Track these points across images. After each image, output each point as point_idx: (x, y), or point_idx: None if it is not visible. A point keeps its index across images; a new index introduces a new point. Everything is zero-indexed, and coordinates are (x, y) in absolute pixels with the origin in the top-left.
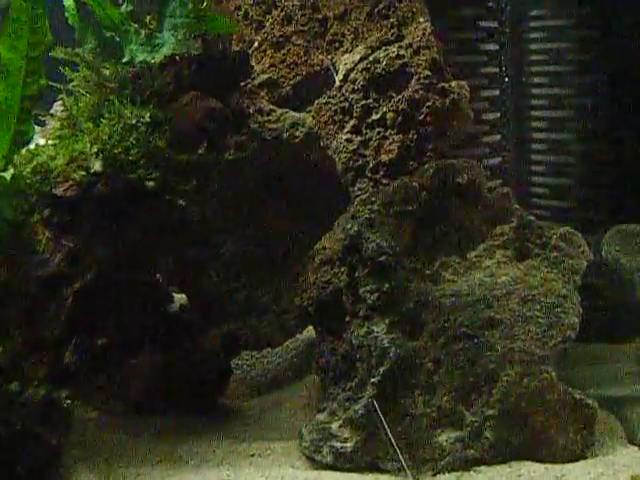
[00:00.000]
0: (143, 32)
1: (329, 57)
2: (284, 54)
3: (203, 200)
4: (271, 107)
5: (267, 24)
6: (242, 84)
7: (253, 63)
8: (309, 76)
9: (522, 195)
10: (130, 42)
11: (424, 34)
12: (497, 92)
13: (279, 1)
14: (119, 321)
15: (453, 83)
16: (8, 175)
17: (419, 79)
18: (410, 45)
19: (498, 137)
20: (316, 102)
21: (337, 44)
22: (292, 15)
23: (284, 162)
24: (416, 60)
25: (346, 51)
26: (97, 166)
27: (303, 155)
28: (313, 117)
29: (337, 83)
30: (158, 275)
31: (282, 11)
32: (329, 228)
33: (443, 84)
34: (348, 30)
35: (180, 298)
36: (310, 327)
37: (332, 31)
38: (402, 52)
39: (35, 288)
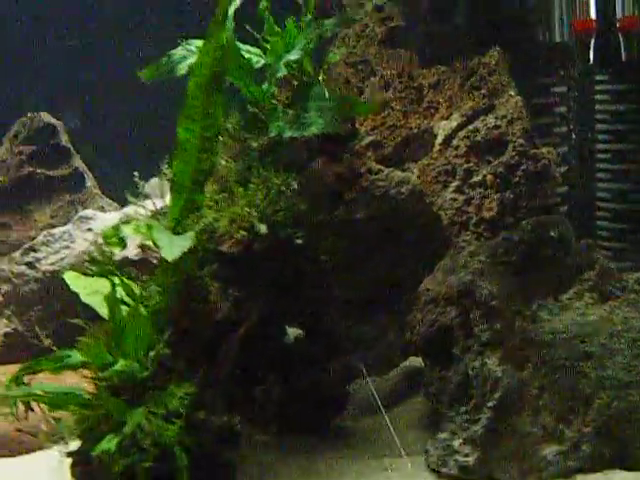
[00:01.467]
0: (290, 112)
1: (426, 122)
2: (384, 117)
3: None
4: (379, 167)
5: (367, 90)
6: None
7: (357, 125)
8: (408, 138)
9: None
10: (277, 119)
11: (516, 106)
12: (566, 149)
13: (377, 69)
14: (266, 355)
15: (543, 150)
16: (191, 236)
17: (514, 147)
18: (505, 116)
19: (565, 188)
20: (419, 163)
21: (433, 110)
22: (390, 82)
23: (391, 215)
24: (511, 130)
25: (442, 117)
26: (262, 229)
27: (408, 209)
28: (418, 176)
29: (436, 147)
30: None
31: (381, 78)
32: (429, 272)
33: (534, 150)
34: (442, 98)
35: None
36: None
37: (428, 99)
38: (498, 122)
39: (209, 332)
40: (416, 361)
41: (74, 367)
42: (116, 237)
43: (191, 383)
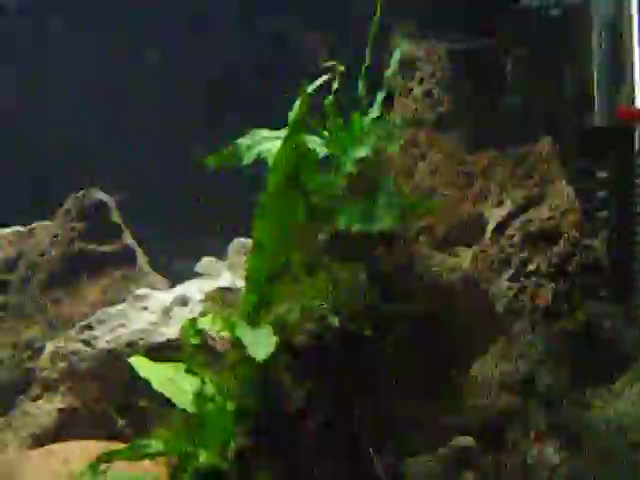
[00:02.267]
0: (359, 206)
1: (476, 207)
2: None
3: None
4: (431, 252)
5: (416, 175)
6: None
7: None
8: (458, 224)
9: None
10: (344, 212)
11: (568, 197)
12: (607, 233)
13: (427, 154)
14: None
15: (595, 242)
16: (272, 333)
17: (568, 238)
18: (558, 207)
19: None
20: (473, 249)
21: (484, 197)
22: (439, 167)
23: (443, 300)
24: (564, 222)
25: (493, 204)
26: (335, 321)
27: (460, 295)
28: (471, 262)
29: (489, 233)
30: None
31: (430, 164)
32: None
33: (587, 241)
34: (493, 184)
35: None
36: None
37: (478, 184)
38: (552, 214)
39: (284, 422)
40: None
41: (152, 457)
42: (194, 330)
43: (272, 474)
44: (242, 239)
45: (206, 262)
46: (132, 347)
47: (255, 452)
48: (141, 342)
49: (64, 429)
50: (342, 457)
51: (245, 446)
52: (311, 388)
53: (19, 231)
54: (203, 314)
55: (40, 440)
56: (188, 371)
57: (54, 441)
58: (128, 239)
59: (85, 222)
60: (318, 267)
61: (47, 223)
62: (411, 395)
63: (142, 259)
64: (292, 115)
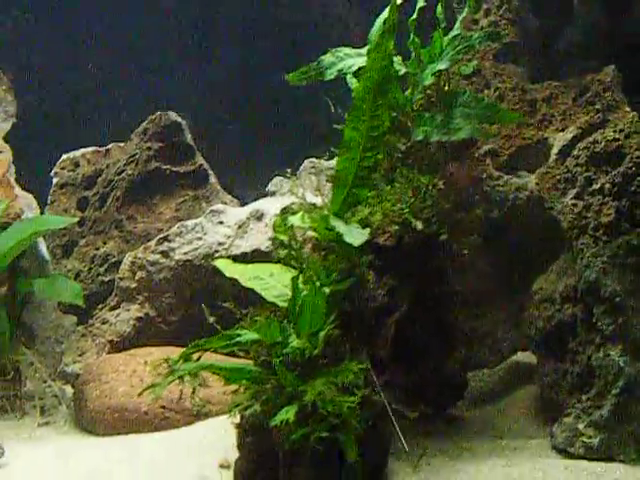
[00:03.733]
0: (439, 118)
1: (540, 133)
2: (499, 127)
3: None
4: (499, 173)
5: None
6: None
7: None
8: (522, 148)
9: None
10: (423, 124)
11: (632, 121)
12: None
13: (491, 82)
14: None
15: None
16: (366, 232)
17: (631, 158)
18: (622, 130)
19: None
20: (538, 171)
21: (546, 123)
22: (504, 95)
23: (509, 219)
24: (628, 142)
25: (556, 130)
26: (418, 225)
27: (525, 213)
28: (537, 183)
29: (553, 156)
30: None
31: (495, 91)
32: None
33: None
34: (556, 112)
35: None
36: None
37: (541, 112)
38: (617, 135)
39: (369, 317)
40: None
41: (243, 345)
42: (283, 226)
43: (362, 360)
44: (313, 159)
45: (277, 181)
46: (208, 259)
47: (343, 341)
48: (217, 254)
49: (140, 337)
50: (416, 355)
51: (334, 335)
52: (392, 286)
53: (97, 151)
54: (292, 212)
55: (117, 347)
56: (276, 268)
57: (130, 348)
58: (200, 160)
59: (160, 143)
60: (398, 174)
61: (122, 144)
62: (479, 303)
63: (214, 179)
64: (378, 27)
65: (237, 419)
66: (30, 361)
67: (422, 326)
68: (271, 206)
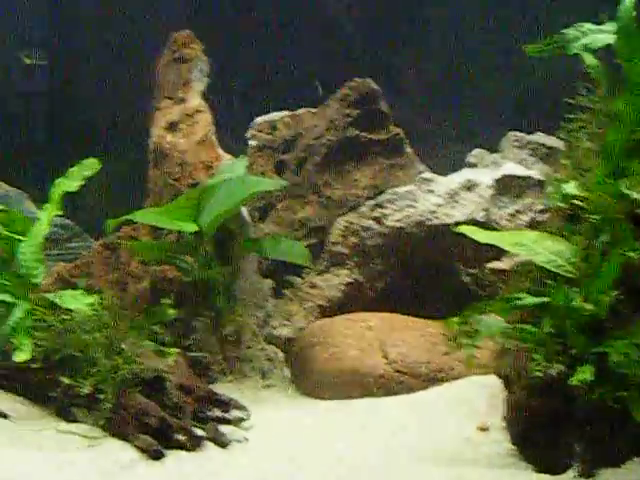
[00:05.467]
0: None
1: None
2: None
3: None
4: None
5: None
6: None
7: None
8: None
9: None
10: None
11: None
12: None
13: None
14: None
15: None
16: None
17: None
18: None
19: None
20: None
21: None
22: None
23: None
24: None
25: None
26: None
27: None
28: None
29: None
30: None
31: None
32: None
33: None
34: None
35: None
36: None
37: None
38: None
39: None
40: None
41: (523, 308)
42: (561, 194)
43: None
44: (516, 133)
45: (478, 153)
46: (420, 227)
47: (626, 307)
48: (428, 222)
49: (348, 303)
50: None
51: (619, 300)
52: None
53: (295, 115)
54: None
55: (325, 312)
56: (533, 235)
57: (338, 313)
58: (396, 128)
59: (359, 110)
60: None
61: (313, 110)
62: None
63: (409, 149)
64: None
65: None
66: (244, 323)
67: None
68: (482, 177)
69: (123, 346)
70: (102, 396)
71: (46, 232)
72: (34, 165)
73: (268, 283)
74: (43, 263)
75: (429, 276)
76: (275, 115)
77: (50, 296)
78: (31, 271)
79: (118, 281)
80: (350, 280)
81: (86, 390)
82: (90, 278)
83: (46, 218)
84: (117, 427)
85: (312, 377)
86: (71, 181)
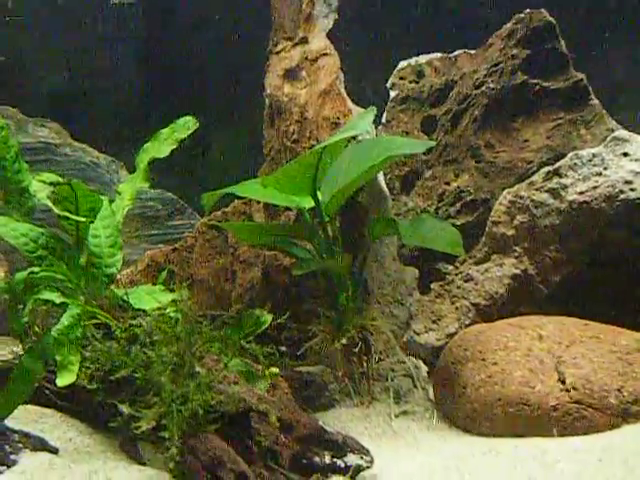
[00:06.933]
0: None
1: None
2: None
3: None
4: None
5: None
6: None
7: None
8: None
9: None
10: None
11: None
12: None
13: None
14: None
15: None
16: None
17: None
18: None
19: None
20: None
21: None
22: None
23: None
24: None
25: None
26: None
27: None
28: None
29: None
30: None
31: None
32: None
33: None
34: None
35: None
36: None
37: None
38: None
39: None
40: None
41: None
42: None
43: None
44: None
45: None
46: (610, 201)
47: None
48: (622, 196)
49: (514, 302)
50: None
51: None
52: None
53: (446, 57)
54: None
55: (484, 313)
56: None
57: (500, 315)
58: (578, 74)
59: (529, 50)
60: None
61: (472, 51)
62: None
63: (595, 100)
64: None
65: None
66: (376, 328)
67: None
68: None
69: (197, 368)
70: (166, 434)
71: (127, 209)
72: (130, 127)
73: (412, 273)
74: (120, 249)
75: (624, 267)
76: (423, 58)
77: (120, 292)
78: (104, 259)
79: (224, 269)
80: (517, 271)
81: (144, 425)
82: (189, 265)
83: (128, 192)
84: (185, 477)
85: (463, 404)
86: (161, 145)
